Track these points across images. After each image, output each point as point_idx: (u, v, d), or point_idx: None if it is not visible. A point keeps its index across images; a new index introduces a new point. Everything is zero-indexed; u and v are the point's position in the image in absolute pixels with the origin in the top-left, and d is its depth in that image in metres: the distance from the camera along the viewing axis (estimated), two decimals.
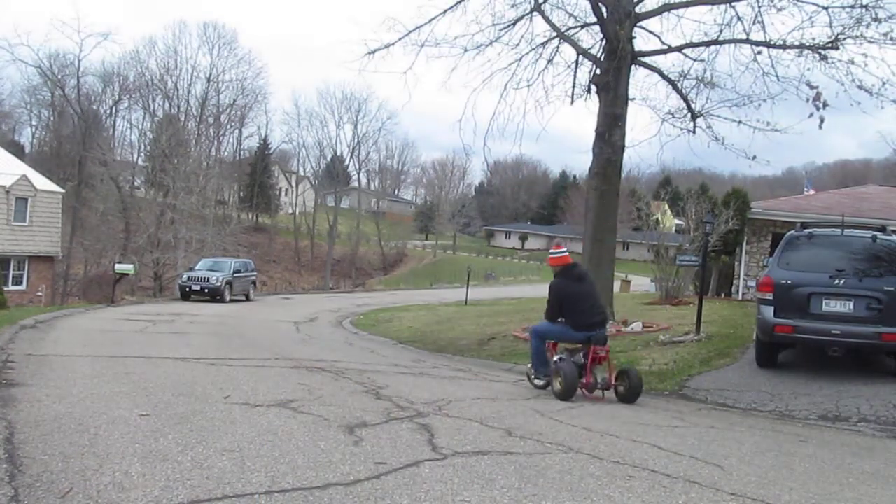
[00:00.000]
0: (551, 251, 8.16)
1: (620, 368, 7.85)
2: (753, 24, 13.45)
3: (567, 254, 7.98)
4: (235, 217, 60.33)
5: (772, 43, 13.40)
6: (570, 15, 15.37)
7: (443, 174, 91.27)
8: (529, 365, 8.24)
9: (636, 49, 14.57)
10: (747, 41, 13.61)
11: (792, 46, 13.23)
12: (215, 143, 60.00)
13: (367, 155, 77.98)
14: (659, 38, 14.94)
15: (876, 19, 12.18)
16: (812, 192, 26.89)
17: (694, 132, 14.86)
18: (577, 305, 7.67)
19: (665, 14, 14.65)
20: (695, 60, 14.59)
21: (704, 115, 14.69)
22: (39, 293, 31.35)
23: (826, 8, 12.69)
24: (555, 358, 7.80)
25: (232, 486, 3.64)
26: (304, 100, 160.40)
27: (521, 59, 15.06)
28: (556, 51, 15.30)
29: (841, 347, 8.94)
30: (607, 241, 14.70)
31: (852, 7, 12.44)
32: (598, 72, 14.58)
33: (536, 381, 8.01)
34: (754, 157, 14.31)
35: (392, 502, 3.53)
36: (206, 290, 26.60)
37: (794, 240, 9.33)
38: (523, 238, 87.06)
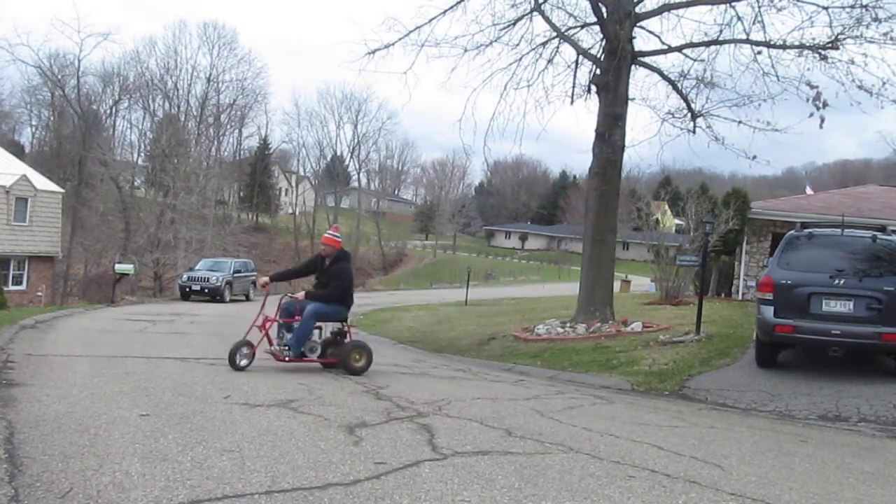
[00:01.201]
0: (330, 232, 8.71)
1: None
2: (753, 24, 13.48)
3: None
4: (235, 217, 60.34)
5: (772, 43, 13.41)
6: (570, 15, 15.40)
7: (443, 174, 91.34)
8: (244, 342, 8.04)
9: (636, 49, 14.58)
10: (747, 41, 13.62)
11: (792, 46, 13.25)
12: (215, 143, 60.10)
13: (367, 155, 78.19)
14: (659, 38, 14.97)
15: (876, 19, 12.19)
16: (810, 191, 26.77)
17: (694, 132, 14.88)
18: (352, 287, 8.60)
19: (665, 14, 14.67)
20: (695, 60, 14.62)
21: (704, 115, 14.71)
22: (39, 293, 31.35)
23: (826, 8, 12.71)
24: (315, 337, 8.25)
25: (232, 486, 3.63)
26: (304, 100, 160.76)
27: (521, 59, 15.09)
28: (556, 51, 15.33)
29: (841, 347, 8.94)
30: (607, 241, 14.71)
31: (852, 7, 12.46)
32: (598, 72, 14.59)
33: (243, 362, 7.88)
34: (754, 157, 14.34)
35: (392, 502, 3.53)
36: (206, 290, 26.61)
37: (794, 240, 9.33)
38: (523, 238, 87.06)
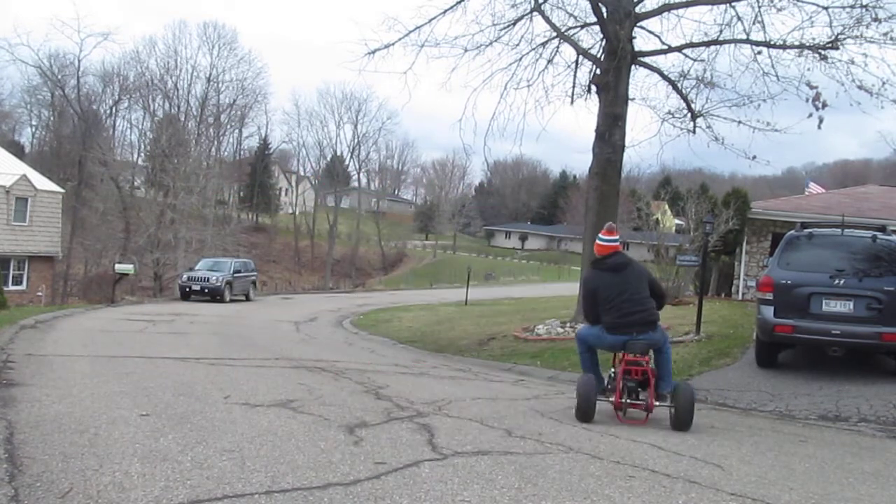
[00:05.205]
0: (600, 236, 6.61)
1: (673, 385, 6.27)
2: (753, 24, 13.47)
3: (611, 244, 6.48)
4: (235, 217, 60.35)
5: (772, 43, 13.40)
6: (570, 15, 15.39)
7: (443, 174, 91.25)
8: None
9: (636, 49, 14.57)
10: (747, 41, 13.61)
11: (792, 46, 13.24)
12: (215, 143, 60.05)
13: (367, 155, 77.96)
14: (659, 38, 14.96)
15: (876, 19, 12.19)
16: (818, 189, 26.60)
17: (694, 132, 14.87)
18: (608, 302, 6.28)
19: (665, 14, 14.66)
20: (695, 60, 14.61)
21: (704, 115, 14.70)
22: (39, 293, 31.35)
23: (826, 8, 12.70)
24: (610, 371, 6.54)
25: (232, 486, 3.63)
26: (304, 100, 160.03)
27: (521, 59, 15.08)
28: (556, 51, 15.32)
29: (841, 347, 8.94)
30: None
31: (852, 7, 12.45)
32: (598, 72, 14.59)
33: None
34: (754, 157, 14.33)
35: (392, 502, 3.53)
36: (206, 290, 26.61)
37: (794, 240, 9.33)
38: (523, 238, 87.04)
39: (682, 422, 5.96)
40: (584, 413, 6.04)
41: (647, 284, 6.42)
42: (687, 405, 5.96)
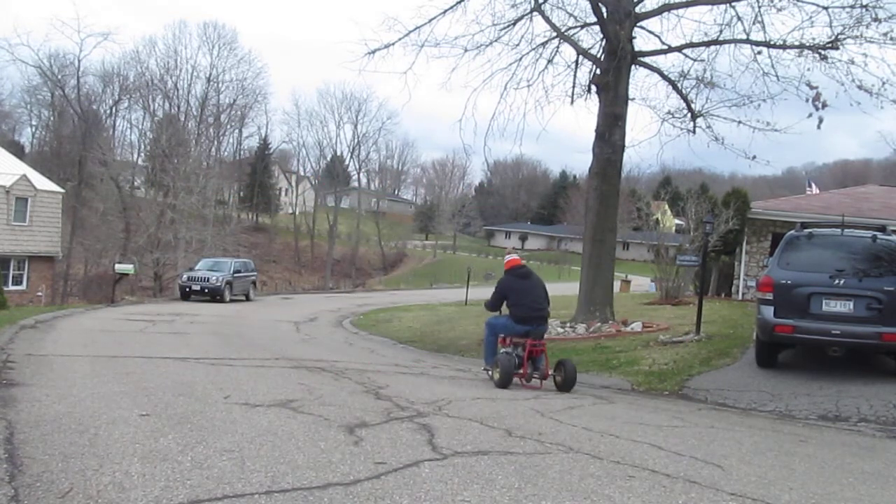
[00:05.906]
0: (506, 257, 9.30)
1: (558, 360, 8.50)
2: (753, 24, 13.49)
3: (517, 258, 9.13)
4: (235, 217, 60.43)
5: (772, 43, 13.41)
6: (570, 15, 15.41)
7: (443, 174, 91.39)
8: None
9: (636, 49, 14.58)
10: (747, 41, 13.62)
11: (792, 46, 13.25)
12: (215, 143, 60.13)
13: (367, 155, 78.04)
14: (659, 38, 14.98)
15: (876, 19, 12.20)
16: (815, 190, 26.68)
17: (694, 132, 14.88)
18: (519, 300, 8.52)
19: (665, 14, 14.68)
20: (695, 60, 14.62)
21: (704, 115, 14.71)
22: (39, 293, 31.34)
23: (826, 8, 12.71)
24: (501, 350, 8.53)
25: (232, 486, 3.63)
26: (304, 100, 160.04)
27: (521, 59, 15.10)
28: (556, 51, 15.34)
29: (841, 347, 8.94)
30: (607, 241, 14.71)
31: (852, 7, 12.46)
32: (598, 72, 14.60)
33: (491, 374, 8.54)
34: (754, 157, 14.34)
35: (392, 502, 3.52)
36: (206, 290, 26.60)
37: (794, 240, 9.33)
38: (523, 238, 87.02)
39: (567, 385, 8.10)
40: (506, 382, 8.05)
41: (544, 290, 8.76)
42: (571, 373, 8.15)
